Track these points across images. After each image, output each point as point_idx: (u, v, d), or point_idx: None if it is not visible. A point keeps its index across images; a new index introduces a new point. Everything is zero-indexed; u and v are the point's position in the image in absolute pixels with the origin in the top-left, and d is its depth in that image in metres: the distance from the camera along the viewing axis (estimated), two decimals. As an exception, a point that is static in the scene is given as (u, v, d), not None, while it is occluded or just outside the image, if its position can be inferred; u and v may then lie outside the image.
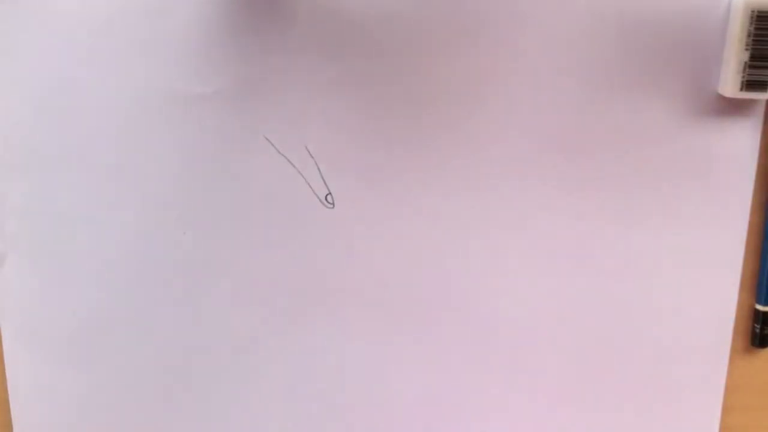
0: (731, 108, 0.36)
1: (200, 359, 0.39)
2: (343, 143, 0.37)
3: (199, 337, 0.39)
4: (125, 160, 0.36)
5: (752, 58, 0.34)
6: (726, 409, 0.41)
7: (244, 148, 0.36)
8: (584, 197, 0.38)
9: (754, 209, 0.38)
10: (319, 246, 0.38)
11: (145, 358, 0.39)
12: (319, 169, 0.37)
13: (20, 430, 0.41)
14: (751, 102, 0.36)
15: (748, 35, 0.34)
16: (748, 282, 0.40)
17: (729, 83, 0.35)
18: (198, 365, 0.39)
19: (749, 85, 0.35)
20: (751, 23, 0.34)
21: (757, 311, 0.40)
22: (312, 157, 0.37)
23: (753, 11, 0.34)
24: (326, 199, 0.37)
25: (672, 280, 0.39)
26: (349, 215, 0.38)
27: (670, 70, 0.36)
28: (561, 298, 0.39)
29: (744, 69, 0.34)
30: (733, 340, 0.40)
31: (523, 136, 0.37)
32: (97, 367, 0.39)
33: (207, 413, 0.40)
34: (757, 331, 0.40)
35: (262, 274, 0.38)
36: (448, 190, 0.38)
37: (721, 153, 0.37)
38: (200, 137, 0.36)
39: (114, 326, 0.38)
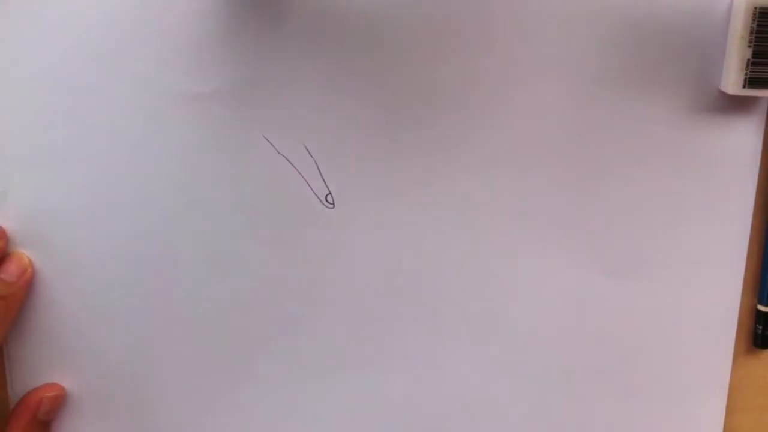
0: (734, 105, 0.36)
1: (199, 359, 0.39)
2: (343, 143, 0.37)
3: (198, 337, 0.38)
4: (124, 160, 0.36)
5: (755, 55, 0.34)
6: (728, 410, 0.41)
7: (243, 149, 0.36)
8: (586, 196, 0.38)
9: (756, 209, 0.38)
10: (319, 246, 0.38)
11: (145, 358, 0.38)
12: (319, 169, 0.37)
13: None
14: (754, 99, 0.36)
15: (751, 32, 0.34)
16: (749, 282, 0.40)
17: (731, 80, 0.35)
18: (197, 365, 0.39)
19: (752, 82, 0.35)
20: (753, 20, 0.34)
21: (759, 312, 0.40)
22: (312, 157, 0.37)
23: (755, 8, 0.34)
24: (326, 199, 0.37)
25: (674, 281, 0.39)
26: (350, 215, 0.38)
27: (672, 68, 0.36)
28: (562, 298, 0.39)
29: (746, 66, 0.34)
30: (735, 341, 0.40)
31: (524, 134, 0.37)
32: (97, 366, 0.39)
33: (206, 412, 0.39)
34: (759, 331, 0.40)
35: (262, 275, 0.38)
36: (449, 190, 0.38)
37: (723, 151, 0.37)
38: (200, 137, 0.36)
39: (114, 325, 0.38)
